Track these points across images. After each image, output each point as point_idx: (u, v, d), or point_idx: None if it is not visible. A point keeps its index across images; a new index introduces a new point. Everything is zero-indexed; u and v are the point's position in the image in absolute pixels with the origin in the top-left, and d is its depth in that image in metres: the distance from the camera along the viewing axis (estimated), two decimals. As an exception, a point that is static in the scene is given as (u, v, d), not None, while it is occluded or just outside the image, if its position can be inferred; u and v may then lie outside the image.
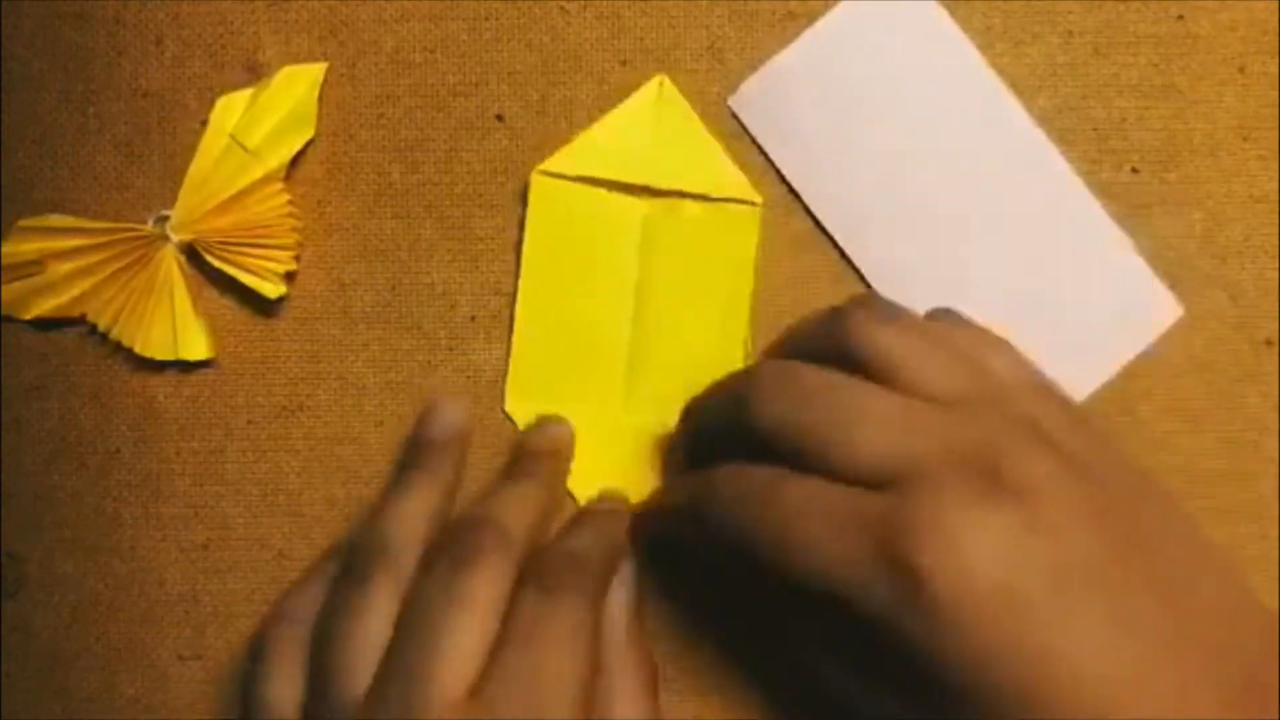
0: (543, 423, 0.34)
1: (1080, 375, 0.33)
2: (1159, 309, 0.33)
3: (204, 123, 0.34)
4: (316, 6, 0.34)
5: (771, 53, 0.34)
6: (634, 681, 0.29)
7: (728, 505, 0.27)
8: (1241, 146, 0.34)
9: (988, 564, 0.24)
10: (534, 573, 0.28)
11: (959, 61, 0.34)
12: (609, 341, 0.34)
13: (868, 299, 0.29)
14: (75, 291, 0.34)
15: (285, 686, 0.28)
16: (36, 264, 0.34)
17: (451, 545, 0.28)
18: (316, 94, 0.34)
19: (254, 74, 0.34)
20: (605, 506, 0.33)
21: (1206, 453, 0.34)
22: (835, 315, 0.29)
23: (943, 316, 0.31)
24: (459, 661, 0.26)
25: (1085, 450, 0.26)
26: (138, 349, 0.34)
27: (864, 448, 0.26)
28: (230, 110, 0.34)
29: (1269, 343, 0.34)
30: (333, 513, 0.34)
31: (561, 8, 0.34)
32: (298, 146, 0.34)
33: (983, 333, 0.30)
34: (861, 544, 0.25)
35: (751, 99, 0.34)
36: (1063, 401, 0.28)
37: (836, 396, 0.27)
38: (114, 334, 0.34)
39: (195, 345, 0.34)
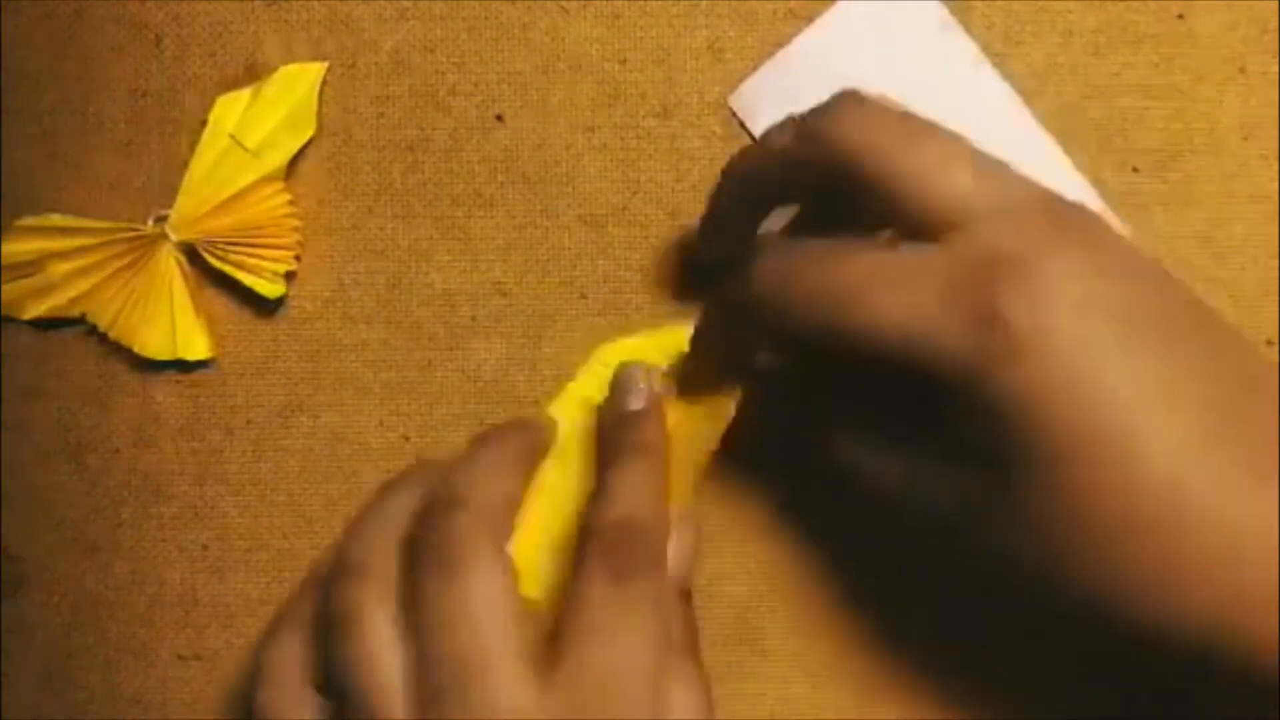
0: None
1: None
2: None
3: (203, 122, 0.34)
4: (316, 6, 0.34)
5: (771, 52, 0.34)
6: (682, 644, 0.28)
7: (783, 282, 0.26)
8: (1242, 146, 0.34)
9: (1063, 304, 0.23)
10: (597, 554, 0.26)
11: (959, 59, 0.34)
12: None
13: (841, 100, 0.28)
14: (74, 292, 0.34)
15: None
16: (35, 264, 0.34)
17: (438, 545, 0.26)
18: (316, 94, 0.34)
19: (254, 74, 0.34)
20: (641, 428, 0.29)
21: (1206, 453, 0.34)
22: (811, 119, 0.27)
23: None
24: (509, 668, 0.25)
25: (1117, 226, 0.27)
26: (137, 349, 0.34)
27: (950, 187, 0.25)
28: (230, 110, 0.34)
29: (1269, 343, 0.34)
30: (333, 513, 0.34)
31: (561, 8, 0.34)
32: (298, 146, 0.34)
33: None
34: (930, 291, 0.24)
35: (752, 98, 0.34)
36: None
37: (917, 129, 0.26)
38: (113, 334, 0.34)
39: (195, 345, 0.34)
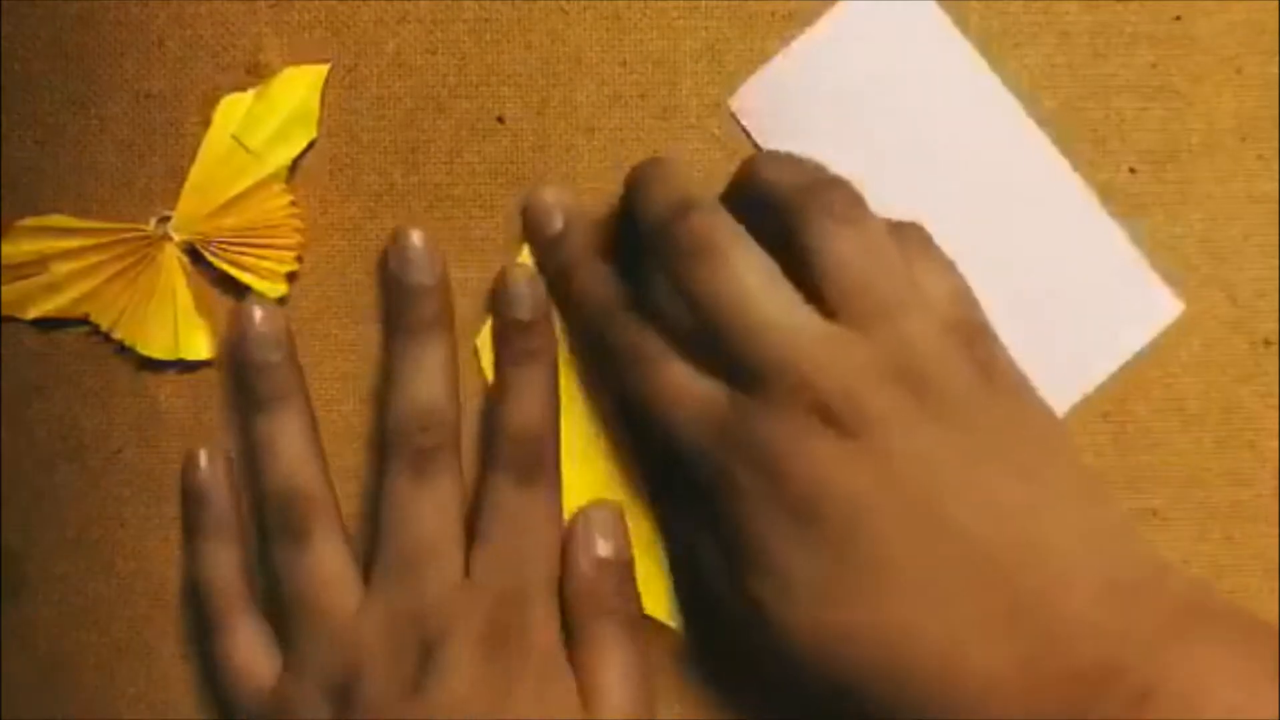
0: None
1: (1080, 373, 0.33)
2: (1158, 306, 0.34)
3: (206, 123, 0.34)
4: (318, 7, 0.34)
5: (771, 53, 0.34)
6: (615, 635, 0.31)
7: (620, 357, 0.30)
8: (1240, 146, 0.34)
9: (793, 481, 0.26)
10: (503, 462, 0.31)
11: (957, 60, 0.34)
12: None
13: (842, 187, 0.29)
14: (77, 292, 0.34)
15: (252, 652, 0.32)
16: (38, 264, 0.34)
17: (405, 448, 0.31)
18: (319, 95, 0.34)
19: (256, 74, 0.34)
20: (537, 335, 0.33)
21: (1205, 453, 0.34)
22: (809, 185, 0.29)
23: (910, 229, 0.30)
24: (449, 554, 0.30)
25: (965, 399, 0.27)
26: (140, 349, 0.34)
27: (741, 346, 0.28)
28: (233, 111, 0.34)
29: (1268, 343, 0.34)
30: (333, 513, 0.34)
31: (561, 8, 0.34)
32: (300, 148, 0.34)
33: (937, 258, 0.30)
34: (703, 435, 0.28)
35: (751, 100, 0.34)
36: (986, 352, 0.29)
37: (744, 282, 0.28)
38: (116, 334, 0.34)
39: (197, 345, 0.34)
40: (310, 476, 0.32)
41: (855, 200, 0.29)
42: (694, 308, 0.28)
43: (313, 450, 0.33)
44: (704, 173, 0.34)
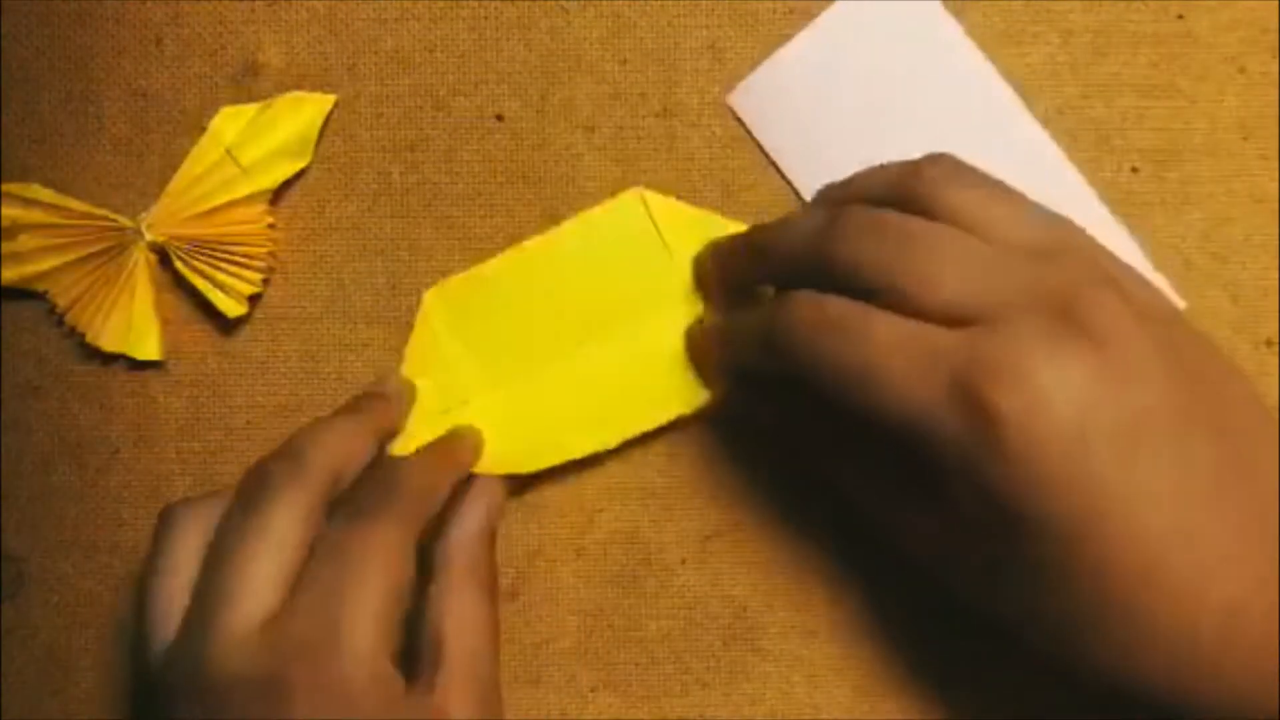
0: (385, 375, 0.34)
1: None
2: None
3: (204, 126, 0.34)
4: (316, 6, 0.34)
5: (772, 52, 0.34)
6: (469, 595, 0.30)
7: (807, 331, 0.27)
8: (1241, 146, 0.34)
9: (1060, 405, 0.24)
10: (344, 501, 0.29)
11: (957, 57, 0.34)
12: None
13: (944, 158, 0.28)
14: (40, 266, 0.34)
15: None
16: (8, 230, 0.33)
17: (248, 479, 0.29)
18: (320, 125, 0.34)
19: (254, 74, 0.34)
20: (448, 444, 0.33)
21: (1206, 452, 0.34)
22: (905, 171, 0.28)
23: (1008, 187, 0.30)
24: (256, 588, 0.27)
25: (1157, 304, 0.27)
26: (89, 337, 0.34)
27: (946, 286, 0.26)
28: (231, 122, 0.34)
29: (1269, 343, 0.34)
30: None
31: (561, 7, 0.34)
32: (291, 173, 0.34)
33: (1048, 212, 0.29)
34: (939, 379, 0.25)
35: (750, 97, 0.34)
36: (1138, 273, 0.28)
37: (920, 237, 0.27)
38: (70, 317, 0.34)
39: (147, 345, 0.34)
40: None
41: (952, 159, 0.28)
42: (883, 277, 0.27)
43: None
44: (704, 172, 0.34)
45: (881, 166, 0.29)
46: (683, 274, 0.34)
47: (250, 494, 0.28)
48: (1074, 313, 0.25)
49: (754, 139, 0.34)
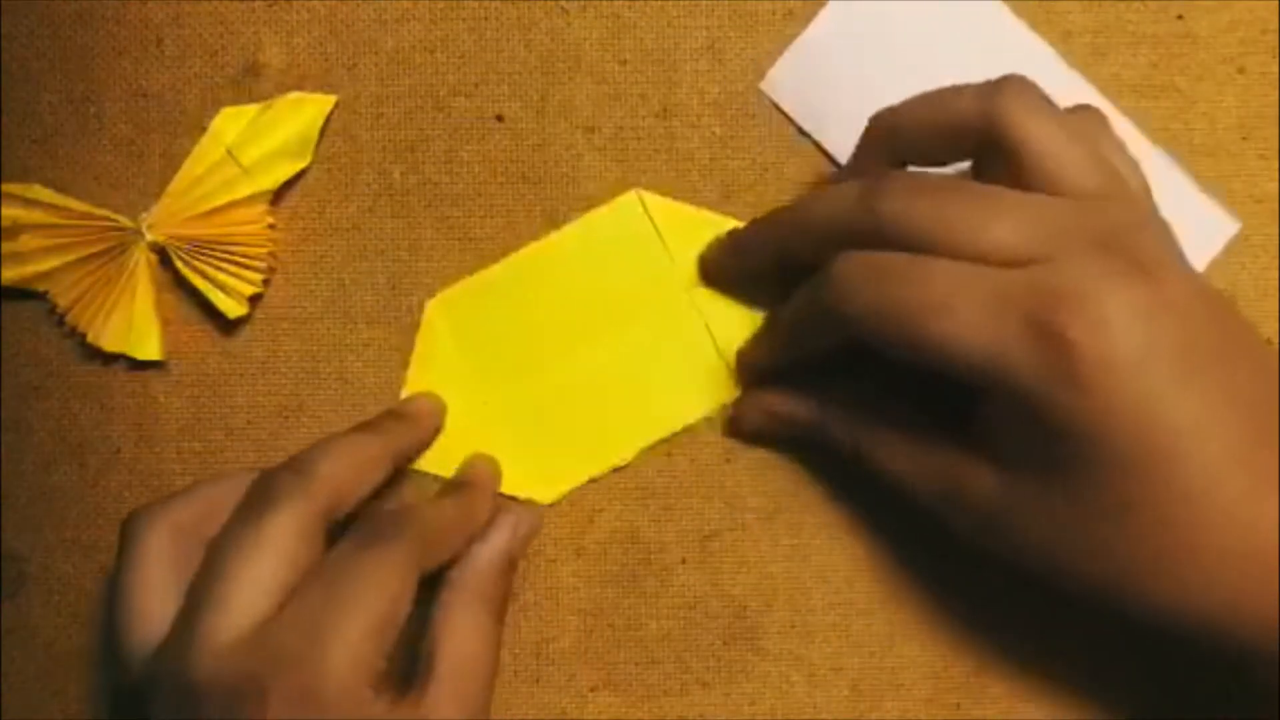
0: (415, 396, 0.34)
1: None
2: (1216, 226, 0.34)
3: (204, 126, 0.34)
4: (316, 6, 0.34)
5: (771, 52, 0.34)
6: (471, 614, 0.30)
7: (866, 283, 0.27)
8: (1241, 146, 0.34)
9: (1124, 331, 0.25)
10: (355, 528, 0.29)
11: (985, 13, 0.34)
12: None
13: (1019, 84, 0.28)
14: (41, 266, 0.34)
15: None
16: (10, 231, 0.33)
17: (255, 487, 0.29)
18: (320, 125, 0.34)
19: (254, 74, 0.34)
20: (470, 478, 0.33)
21: (1206, 452, 0.34)
22: (986, 91, 0.28)
23: (1087, 116, 0.30)
24: (248, 596, 0.27)
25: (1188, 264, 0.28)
26: (90, 337, 0.34)
27: (1001, 232, 0.26)
28: (232, 123, 0.34)
29: (1269, 342, 0.34)
30: (333, 512, 0.34)
31: (561, 8, 0.34)
32: (291, 173, 0.34)
33: (1121, 145, 0.30)
34: (1008, 317, 0.26)
35: (783, 81, 0.34)
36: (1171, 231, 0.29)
37: (969, 190, 0.27)
38: (70, 317, 0.34)
39: (147, 345, 0.34)
40: None
41: (1036, 90, 0.28)
42: (936, 230, 0.27)
43: None
44: (704, 172, 0.34)
45: (953, 89, 0.29)
46: (682, 274, 0.34)
47: (254, 502, 0.28)
48: (1126, 249, 0.26)
49: (790, 119, 0.34)
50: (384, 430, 0.32)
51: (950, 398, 0.29)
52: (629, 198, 0.34)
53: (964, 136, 0.28)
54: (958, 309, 0.26)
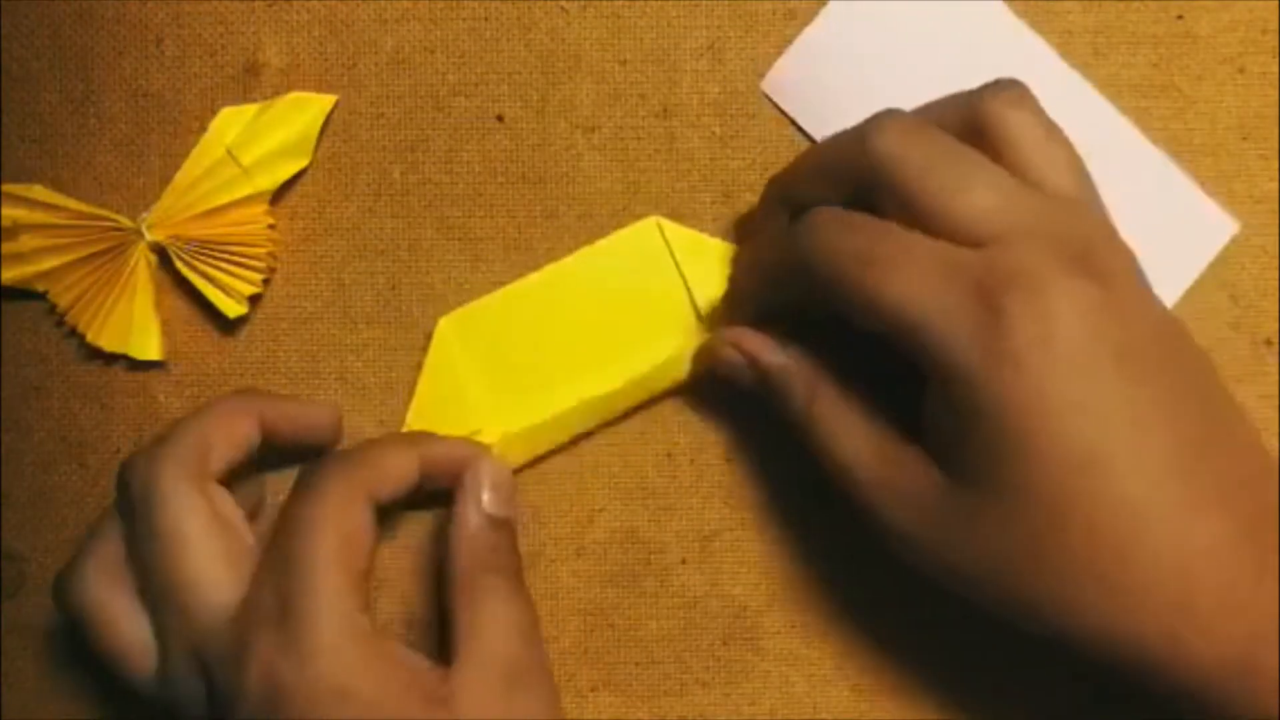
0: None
1: None
2: (1215, 227, 0.33)
3: (203, 127, 0.34)
4: (316, 6, 0.34)
5: (771, 52, 0.34)
6: (480, 586, 0.30)
7: (831, 241, 0.28)
8: (1241, 146, 0.34)
9: (1069, 321, 0.25)
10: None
11: (985, 12, 0.34)
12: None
13: (1012, 83, 0.29)
14: (40, 266, 0.34)
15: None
16: (9, 231, 0.33)
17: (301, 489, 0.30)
18: (320, 125, 0.34)
19: (254, 74, 0.34)
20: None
21: (1206, 452, 0.34)
22: (979, 91, 0.29)
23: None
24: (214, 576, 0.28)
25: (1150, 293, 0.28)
26: (90, 337, 0.34)
27: (972, 204, 0.27)
28: (232, 122, 0.34)
29: (1269, 342, 0.34)
30: (333, 512, 0.34)
31: (561, 8, 0.34)
32: (291, 173, 0.34)
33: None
34: (956, 288, 0.26)
35: (784, 80, 0.34)
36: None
37: (957, 153, 0.27)
38: (70, 317, 0.34)
39: (147, 345, 0.34)
40: None
41: (1024, 89, 0.29)
42: (914, 183, 0.27)
43: None
44: (704, 172, 0.34)
45: (954, 96, 0.30)
46: (699, 302, 0.33)
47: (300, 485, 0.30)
48: (1087, 252, 0.26)
49: (791, 120, 0.34)
50: (422, 442, 0.32)
51: (909, 391, 0.28)
52: (648, 224, 0.34)
53: (847, 181, 0.29)
54: (907, 268, 0.26)
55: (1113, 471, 0.25)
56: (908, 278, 0.26)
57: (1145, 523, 0.25)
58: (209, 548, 0.28)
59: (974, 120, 0.28)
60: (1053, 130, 0.28)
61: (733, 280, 0.33)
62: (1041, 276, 0.25)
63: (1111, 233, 0.28)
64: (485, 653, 0.29)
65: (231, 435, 0.31)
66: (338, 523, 0.28)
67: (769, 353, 0.31)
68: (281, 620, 0.27)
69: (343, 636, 0.27)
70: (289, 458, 0.34)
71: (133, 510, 0.29)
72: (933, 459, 0.28)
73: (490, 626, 0.29)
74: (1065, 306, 0.25)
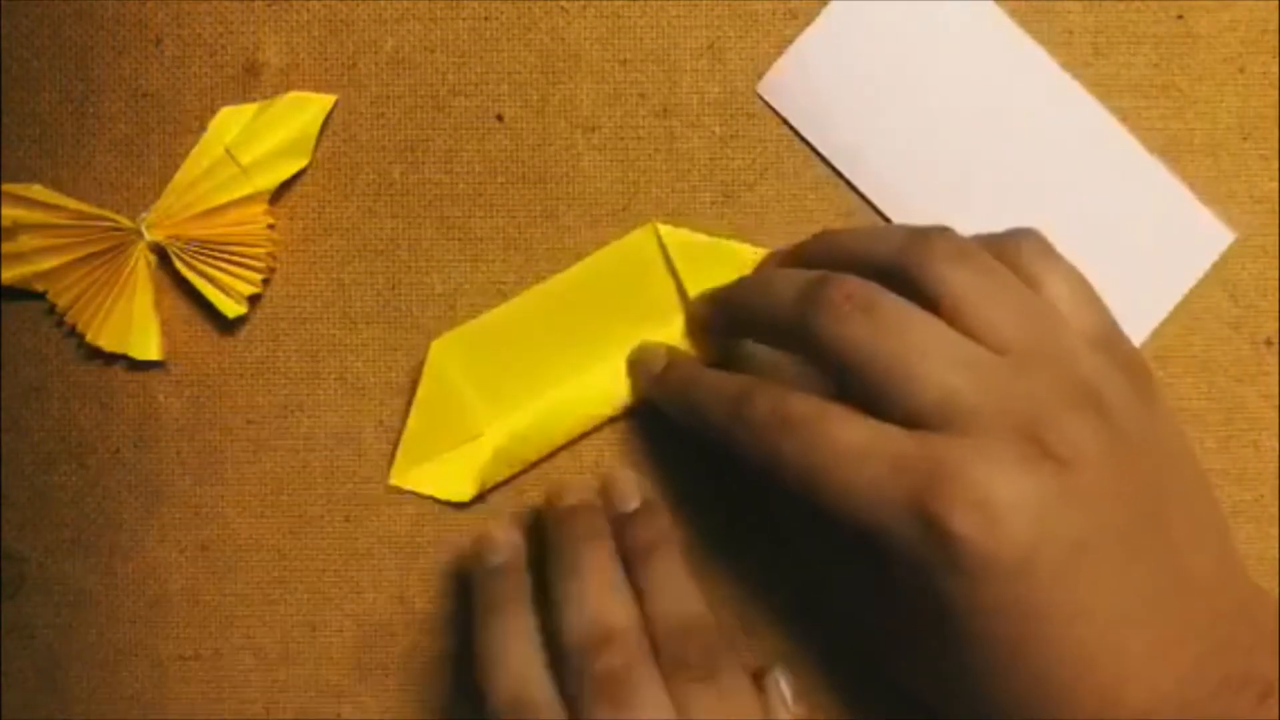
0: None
1: (1142, 312, 0.33)
2: (1210, 236, 0.33)
3: (203, 127, 0.34)
4: (316, 6, 0.34)
5: (770, 53, 0.34)
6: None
7: (768, 429, 0.28)
8: (1241, 146, 0.34)
9: (1014, 528, 0.25)
10: (673, 662, 0.28)
11: (981, 18, 0.34)
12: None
13: (943, 231, 0.28)
14: (40, 266, 0.34)
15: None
16: (8, 231, 0.33)
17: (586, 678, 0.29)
18: (320, 125, 0.34)
19: (254, 74, 0.34)
20: (651, 526, 0.32)
21: (1206, 452, 0.34)
22: (910, 241, 0.28)
23: (1023, 238, 0.29)
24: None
25: (1132, 416, 0.27)
26: (89, 337, 0.34)
27: (921, 389, 0.26)
28: (231, 122, 0.34)
29: (1269, 342, 0.34)
30: (333, 512, 0.34)
31: (561, 8, 0.34)
32: (291, 173, 0.34)
33: (1056, 266, 0.29)
34: (899, 493, 0.25)
35: (781, 82, 0.34)
36: (1125, 355, 0.28)
37: (908, 329, 0.27)
38: (69, 317, 0.34)
39: (147, 345, 0.34)
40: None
41: (959, 240, 0.28)
42: (859, 365, 0.27)
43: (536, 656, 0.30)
44: (704, 172, 0.34)
45: (886, 228, 0.29)
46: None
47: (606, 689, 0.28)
48: (1042, 435, 0.25)
49: (787, 122, 0.34)
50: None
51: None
52: (645, 232, 0.34)
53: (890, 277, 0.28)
54: (852, 477, 0.26)
55: (1050, 651, 0.25)
56: (850, 482, 0.26)
57: (1080, 697, 0.25)
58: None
59: (915, 282, 0.27)
60: (997, 277, 0.27)
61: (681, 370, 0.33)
62: (983, 484, 0.25)
63: (1071, 388, 0.26)
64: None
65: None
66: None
67: (724, 406, 0.30)
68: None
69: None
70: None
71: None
72: (885, 580, 0.28)
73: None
74: (1009, 514, 0.25)
